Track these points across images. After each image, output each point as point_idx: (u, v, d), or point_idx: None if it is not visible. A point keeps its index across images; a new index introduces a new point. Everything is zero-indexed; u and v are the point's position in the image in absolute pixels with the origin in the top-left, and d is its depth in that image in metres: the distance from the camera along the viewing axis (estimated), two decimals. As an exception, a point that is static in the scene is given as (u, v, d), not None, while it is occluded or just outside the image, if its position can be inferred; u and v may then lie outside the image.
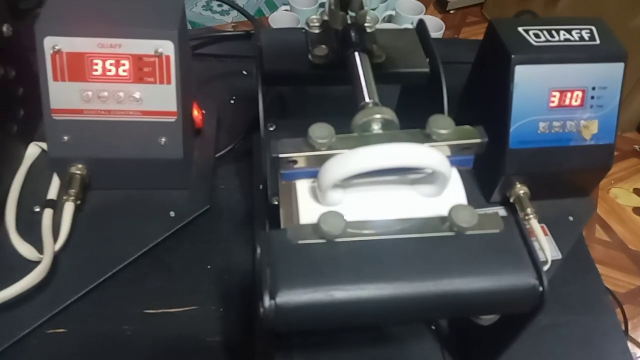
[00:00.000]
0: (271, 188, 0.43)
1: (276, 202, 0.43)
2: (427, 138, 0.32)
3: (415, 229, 0.29)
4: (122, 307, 0.45)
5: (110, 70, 0.45)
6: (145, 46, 0.44)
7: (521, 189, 0.50)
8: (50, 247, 0.43)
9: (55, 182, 0.49)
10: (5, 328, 0.41)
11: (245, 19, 0.69)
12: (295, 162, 0.32)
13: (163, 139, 0.47)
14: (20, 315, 0.42)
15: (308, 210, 0.32)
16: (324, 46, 0.44)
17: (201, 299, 0.46)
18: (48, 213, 0.47)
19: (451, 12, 1.80)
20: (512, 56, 0.46)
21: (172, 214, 0.49)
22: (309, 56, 0.44)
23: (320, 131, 0.31)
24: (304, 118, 0.33)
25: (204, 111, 0.54)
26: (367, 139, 0.31)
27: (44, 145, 0.51)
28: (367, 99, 0.35)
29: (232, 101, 0.62)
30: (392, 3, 1.40)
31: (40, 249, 0.44)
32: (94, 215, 0.48)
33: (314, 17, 0.46)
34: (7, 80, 0.47)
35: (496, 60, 0.49)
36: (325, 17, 0.47)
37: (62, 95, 0.45)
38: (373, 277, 0.27)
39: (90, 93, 0.45)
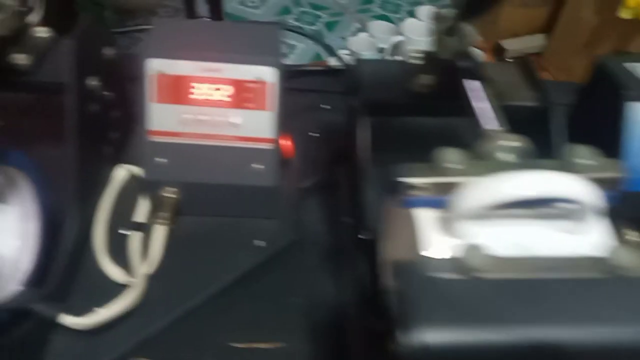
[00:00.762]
0: (370, 219, 0.41)
1: (370, 236, 0.41)
2: (568, 169, 0.29)
3: (568, 268, 0.26)
4: (208, 338, 0.43)
5: (210, 95, 0.44)
6: (247, 72, 0.44)
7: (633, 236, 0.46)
8: (141, 270, 0.42)
9: (144, 205, 0.48)
10: (90, 354, 0.40)
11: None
12: (419, 188, 0.30)
13: (258, 166, 0.46)
14: (106, 341, 0.41)
15: (435, 242, 0.29)
16: (428, 75, 0.43)
17: (288, 334, 0.43)
18: (137, 236, 0.46)
19: (509, 60, 1.79)
20: (624, 92, 0.44)
21: (261, 243, 0.48)
22: (412, 86, 0.43)
23: (452, 155, 0.29)
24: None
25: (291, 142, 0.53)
26: (507, 167, 0.29)
27: (132, 168, 0.52)
28: (494, 126, 0.33)
29: (312, 134, 0.61)
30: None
31: (128, 272, 0.43)
32: (183, 240, 0.46)
33: (414, 47, 0.45)
34: (105, 102, 0.48)
35: (604, 99, 0.46)
36: (424, 47, 0.46)
37: (161, 118, 0.45)
38: (528, 320, 0.24)
39: (189, 116, 0.45)
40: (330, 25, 1.82)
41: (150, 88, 0.44)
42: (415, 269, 0.27)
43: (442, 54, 0.42)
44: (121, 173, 0.51)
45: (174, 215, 0.46)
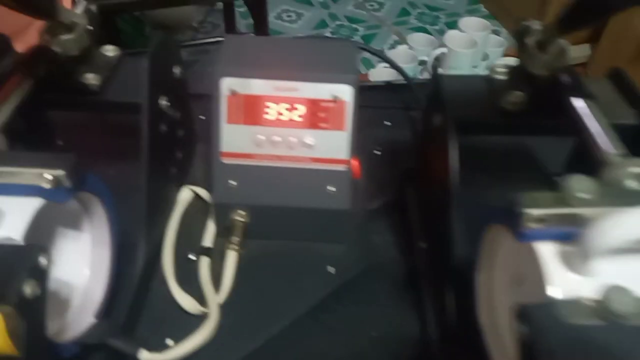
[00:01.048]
0: (458, 247, 0.38)
1: (459, 266, 0.38)
2: None
3: None
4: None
5: (283, 115, 0.43)
6: (322, 90, 0.42)
7: None
8: (215, 301, 0.39)
9: (211, 229, 0.47)
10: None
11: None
12: (542, 219, 0.27)
13: (331, 188, 0.43)
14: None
15: (564, 281, 0.26)
16: (519, 92, 0.40)
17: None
18: (205, 262, 0.44)
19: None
20: None
21: (331, 270, 0.45)
22: (501, 103, 0.41)
23: (582, 184, 0.26)
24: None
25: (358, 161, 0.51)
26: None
27: (197, 190, 0.50)
28: (612, 150, 0.30)
29: (376, 152, 0.59)
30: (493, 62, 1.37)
31: (198, 299, 0.41)
32: (252, 266, 0.44)
33: (498, 62, 0.42)
34: (173, 121, 0.46)
35: None
36: (507, 62, 0.43)
37: (234, 139, 0.43)
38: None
39: (262, 137, 0.43)
40: (367, 39, 1.80)
41: (224, 108, 0.42)
42: (548, 313, 0.24)
43: (533, 69, 0.39)
44: (186, 195, 0.50)
45: (243, 239, 0.44)
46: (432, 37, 1.65)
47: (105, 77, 0.43)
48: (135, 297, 0.40)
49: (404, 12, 1.91)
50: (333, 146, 0.43)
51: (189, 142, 0.52)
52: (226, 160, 0.43)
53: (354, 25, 1.85)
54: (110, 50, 0.45)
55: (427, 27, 1.86)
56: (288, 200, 0.44)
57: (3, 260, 0.26)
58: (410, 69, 1.48)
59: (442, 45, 1.49)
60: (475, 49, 1.37)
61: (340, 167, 0.43)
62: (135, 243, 0.41)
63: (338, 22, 1.86)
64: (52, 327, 0.32)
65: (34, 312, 0.26)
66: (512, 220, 0.27)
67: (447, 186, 0.39)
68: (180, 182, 0.50)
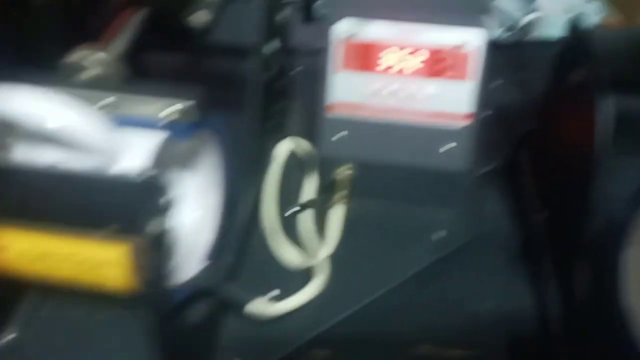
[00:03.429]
0: (605, 221, 0.33)
1: (602, 241, 0.33)
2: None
3: None
4: (385, 338, 0.38)
5: (401, 62, 0.39)
6: (449, 35, 0.38)
7: None
8: (322, 254, 0.37)
9: (311, 183, 0.44)
10: (265, 343, 0.37)
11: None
12: None
13: (449, 147, 0.40)
14: (282, 331, 0.37)
15: None
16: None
17: (480, 345, 0.38)
18: (307, 215, 0.42)
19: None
20: None
21: (439, 235, 0.42)
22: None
23: None
24: None
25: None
26: None
27: (297, 141, 0.48)
28: None
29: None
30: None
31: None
32: (355, 224, 0.42)
33: None
34: (277, 69, 0.44)
35: None
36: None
37: (345, 88, 0.40)
38: None
39: (376, 87, 0.39)
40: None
41: (336, 54, 0.39)
42: None
43: None
44: (285, 147, 0.47)
45: (349, 195, 0.41)
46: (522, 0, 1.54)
47: (211, 17, 0.40)
48: (239, 246, 0.38)
49: (489, -25, 1.79)
50: (456, 99, 0.39)
51: (287, 92, 0.49)
52: (335, 112, 0.40)
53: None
54: (217, -11, 0.43)
55: (514, -10, 1.74)
56: (400, 157, 0.40)
57: (131, 193, 0.24)
58: (499, 35, 1.39)
59: (533, 10, 1.39)
60: (572, 14, 1.27)
61: (462, 123, 0.39)
62: (237, 193, 0.39)
63: (417, -16, 1.77)
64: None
65: (158, 249, 0.25)
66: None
67: (589, 151, 0.35)
68: (278, 134, 0.48)
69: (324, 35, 0.39)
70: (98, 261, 0.26)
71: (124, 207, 0.24)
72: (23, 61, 0.31)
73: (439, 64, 0.38)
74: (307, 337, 0.37)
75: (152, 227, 0.24)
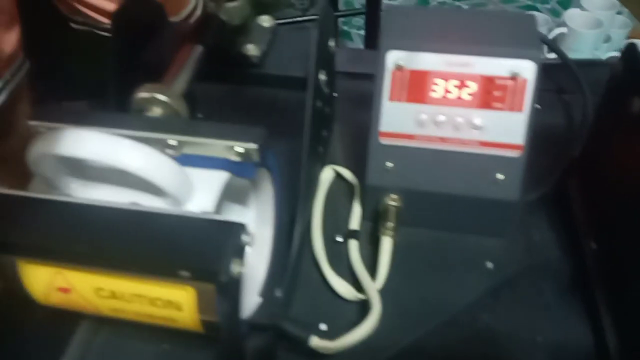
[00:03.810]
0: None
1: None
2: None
3: None
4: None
5: (451, 92, 0.39)
6: (500, 66, 0.38)
7: None
8: (374, 289, 0.37)
9: (357, 211, 0.44)
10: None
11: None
12: None
13: (500, 176, 0.39)
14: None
15: None
16: None
17: (535, 380, 0.37)
18: (355, 245, 0.42)
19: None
20: None
21: (489, 265, 0.42)
22: None
23: None
24: None
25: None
26: None
27: (339, 169, 0.48)
28: None
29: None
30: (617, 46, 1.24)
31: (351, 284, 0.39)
32: (403, 255, 0.41)
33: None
34: (325, 98, 0.44)
35: None
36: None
37: (395, 118, 0.40)
38: None
39: (425, 117, 0.39)
40: (471, 17, 1.70)
41: (387, 84, 0.39)
42: None
43: None
44: (329, 174, 0.48)
45: (397, 225, 0.41)
46: (546, 16, 1.54)
47: (264, 48, 0.41)
48: (291, 278, 0.38)
49: (512, -11, 1.79)
50: (507, 129, 0.39)
51: (331, 120, 0.49)
52: (384, 141, 0.40)
53: (458, 3, 1.75)
54: (266, 21, 0.43)
55: (538, 5, 1.73)
56: (449, 187, 0.40)
57: (211, 235, 0.24)
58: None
59: (560, 24, 1.37)
60: (599, 29, 1.25)
61: (513, 153, 0.39)
62: (289, 221, 0.40)
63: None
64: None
65: (235, 291, 0.25)
66: None
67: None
68: (323, 162, 0.48)
69: (376, 63, 0.39)
70: (171, 301, 0.26)
71: (205, 248, 0.24)
72: (89, 102, 0.32)
73: (490, 95, 0.38)
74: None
75: (233, 268, 0.24)
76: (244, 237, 0.25)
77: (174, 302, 0.27)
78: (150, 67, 0.35)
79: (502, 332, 0.39)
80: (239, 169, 0.28)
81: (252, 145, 0.27)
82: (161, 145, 0.27)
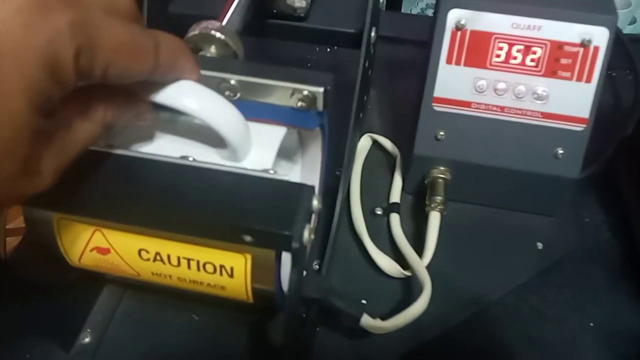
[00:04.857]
0: None
1: None
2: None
3: None
4: (486, 354, 0.35)
5: (515, 58, 0.36)
6: (570, 32, 0.35)
7: None
8: (423, 268, 0.35)
9: (398, 183, 0.42)
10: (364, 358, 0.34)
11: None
12: None
13: (560, 151, 0.37)
14: (376, 345, 0.34)
15: None
16: None
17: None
18: (396, 219, 0.39)
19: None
20: None
21: (539, 245, 0.39)
22: None
23: None
24: None
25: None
26: None
27: (378, 138, 0.45)
28: None
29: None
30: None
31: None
32: (450, 231, 0.39)
33: None
34: (372, 59, 0.41)
35: None
36: None
37: (451, 82, 0.37)
38: None
39: (484, 83, 0.37)
40: None
41: (445, 45, 0.36)
42: None
43: None
44: (366, 143, 0.45)
45: (446, 199, 0.38)
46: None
47: (309, 2, 0.38)
48: (332, 250, 0.36)
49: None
50: (573, 101, 0.36)
51: (370, 85, 0.46)
52: (438, 107, 0.37)
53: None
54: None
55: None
56: (504, 161, 0.37)
57: (279, 197, 0.21)
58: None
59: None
60: (628, 9, 1.22)
61: (577, 127, 0.36)
62: (331, 188, 0.37)
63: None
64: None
65: (304, 259, 0.22)
66: None
67: None
68: (362, 129, 0.45)
69: (432, 24, 0.36)
70: (224, 267, 0.24)
71: (275, 212, 0.21)
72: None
73: (558, 63, 0.35)
74: (402, 352, 0.34)
75: (305, 236, 0.21)
76: (315, 202, 0.22)
77: (227, 267, 0.24)
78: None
79: (550, 315, 0.37)
80: (299, 117, 0.25)
81: (318, 89, 0.24)
82: (219, 86, 0.24)
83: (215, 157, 0.24)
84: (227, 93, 0.24)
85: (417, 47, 0.55)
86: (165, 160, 0.23)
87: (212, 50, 0.28)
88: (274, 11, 0.37)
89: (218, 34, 0.28)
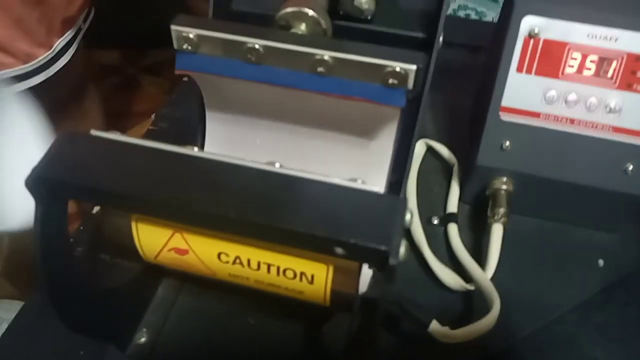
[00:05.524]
0: None
1: None
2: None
3: None
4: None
5: (589, 69, 0.35)
6: (651, 43, 0.34)
7: None
8: (489, 282, 0.33)
9: (455, 192, 0.41)
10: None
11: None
12: None
13: (630, 167, 0.36)
14: (442, 356, 0.34)
15: None
16: None
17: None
18: (454, 230, 0.38)
19: None
20: None
21: (600, 262, 0.38)
22: None
23: None
24: None
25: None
26: None
27: (434, 144, 0.44)
28: None
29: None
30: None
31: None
32: (509, 245, 0.38)
33: None
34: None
35: None
36: None
37: (521, 92, 0.36)
38: None
39: (555, 93, 0.35)
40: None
41: (517, 53, 0.35)
42: None
43: None
44: (422, 149, 0.44)
45: (509, 211, 0.37)
46: None
47: (376, 1, 0.37)
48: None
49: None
50: (648, 115, 0.35)
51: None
52: (505, 117, 0.36)
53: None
54: (376, -27, 0.39)
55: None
56: (571, 175, 0.36)
57: (372, 210, 0.21)
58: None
59: None
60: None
61: (650, 143, 0.35)
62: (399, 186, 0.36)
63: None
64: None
65: (395, 274, 0.21)
66: None
67: None
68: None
69: (500, 30, 0.35)
70: (305, 274, 0.23)
71: (369, 226, 0.20)
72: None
73: (634, 76, 0.34)
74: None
75: (398, 250, 0.20)
76: (407, 216, 0.21)
77: (308, 275, 0.23)
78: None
79: (615, 335, 0.36)
80: (388, 95, 0.25)
81: (411, 66, 0.24)
82: (311, 62, 0.24)
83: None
84: (319, 69, 0.24)
85: (469, 52, 0.54)
86: (250, 165, 0.23)
87: (302, 27, 0.28)
88: (340, 12, 0.36)
89: (311, 12, 0.28)
